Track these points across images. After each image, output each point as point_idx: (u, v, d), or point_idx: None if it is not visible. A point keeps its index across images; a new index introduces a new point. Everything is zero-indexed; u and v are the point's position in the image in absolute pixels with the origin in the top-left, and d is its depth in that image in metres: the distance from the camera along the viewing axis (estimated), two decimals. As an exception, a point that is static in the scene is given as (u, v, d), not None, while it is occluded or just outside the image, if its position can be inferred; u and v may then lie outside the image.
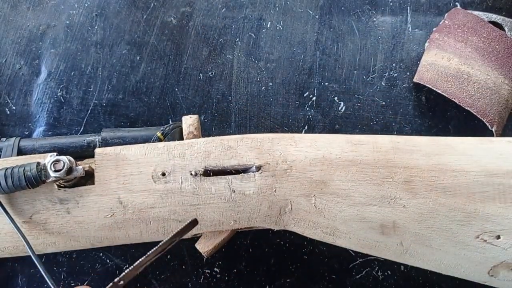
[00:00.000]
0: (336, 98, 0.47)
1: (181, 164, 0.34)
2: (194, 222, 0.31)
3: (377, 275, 0.41)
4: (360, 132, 0.45)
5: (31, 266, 0.42)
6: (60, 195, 0.33)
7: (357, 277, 0.42)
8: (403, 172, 0.34)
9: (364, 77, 0.48)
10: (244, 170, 0.34)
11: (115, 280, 0.28)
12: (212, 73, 0.48)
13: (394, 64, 0.48)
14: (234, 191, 0.34)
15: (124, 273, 0.29)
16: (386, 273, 0.41)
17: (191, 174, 0.33)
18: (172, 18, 0.49)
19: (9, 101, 0.46)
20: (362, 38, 0.49)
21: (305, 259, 0.42)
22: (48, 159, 0.32)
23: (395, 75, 0.48)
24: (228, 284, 0.42)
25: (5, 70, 0.47)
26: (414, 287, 0.42)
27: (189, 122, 0.36)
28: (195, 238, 0.36)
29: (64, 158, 0.32)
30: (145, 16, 0.49)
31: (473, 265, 0.35)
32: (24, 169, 0.31)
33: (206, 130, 0.46)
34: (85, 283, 0.41)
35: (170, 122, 0.46)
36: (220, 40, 0.48)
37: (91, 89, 0.46)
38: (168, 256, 0.42)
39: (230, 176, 0.34)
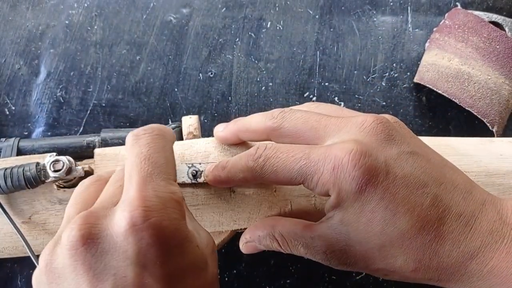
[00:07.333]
0: (336, 98, 0.47)
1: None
2: None
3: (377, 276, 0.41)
4: (360, 133, 0.45)
5: (31, 267, 0.42)
6: (59, 196, 0.33)
7: (357, 278, 0.42)
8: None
9: (364, 77, 0.47)
10: (244, 171, 0.34)
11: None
12: (212, 73, 0.47)
13: (394, 64, 0.48)
14: (234, 191, 0.34)
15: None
16: (386, 274, 0.41)
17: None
18: (171, 18, 0.49)
19: (8, 101, 0.46)
20: (363, 38, 0.49)
21: (305, 260, 0.42)
22: (47, 159, 0.32)
23: (396, 75, 0.47)
24: (228, 285, 0.42)
25: (4, 70, 0.47)
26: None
27: (188, 122, 0.36)
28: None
29: (63, 158, 0.32)
30: (144, 16, 0.49)
31: (473, 266, 0.34)
32: (23, 169, 0.31)
33: (206, 131, 0.46)
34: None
35: (170, 122, 0.45)
36: (220, 40, 0.48)
37: (90, 89, 0.46)
38: (168, 257, 0.41)
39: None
